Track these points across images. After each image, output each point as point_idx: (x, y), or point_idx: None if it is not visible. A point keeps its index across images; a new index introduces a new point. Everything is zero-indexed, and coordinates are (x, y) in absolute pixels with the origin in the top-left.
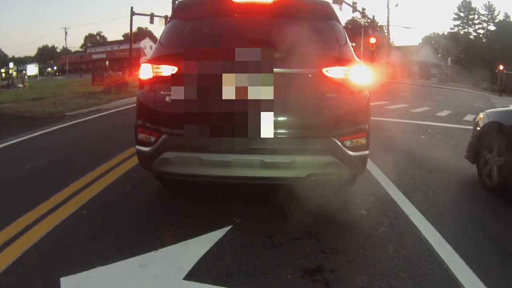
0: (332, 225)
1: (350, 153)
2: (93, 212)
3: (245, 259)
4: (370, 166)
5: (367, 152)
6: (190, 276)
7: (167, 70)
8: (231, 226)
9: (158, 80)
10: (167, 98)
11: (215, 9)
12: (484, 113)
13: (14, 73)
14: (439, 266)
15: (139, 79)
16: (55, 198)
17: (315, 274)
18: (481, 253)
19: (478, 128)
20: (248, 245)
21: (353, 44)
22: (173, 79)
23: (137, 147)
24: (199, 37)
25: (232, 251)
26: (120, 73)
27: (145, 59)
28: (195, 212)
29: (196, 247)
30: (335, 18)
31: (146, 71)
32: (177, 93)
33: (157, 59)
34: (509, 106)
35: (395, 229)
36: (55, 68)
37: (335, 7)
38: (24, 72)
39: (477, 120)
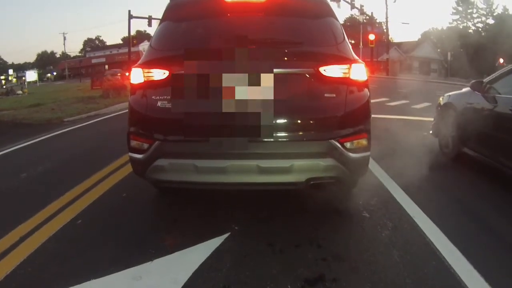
0: (334, 230)
1: (351, 155)
2: (87, 222)
3: (244, 269)
4: (372, 165)
5: (369, 153)
6: None
7: (159, 74)
8: (229, 233)
9: (150, 84)
10: (159, 103)
11: (207, 9)
12: (444, 95)
13: (14, 80)
14: (446, 270)
15: (130, 84)
16: (50, 207)
17: (316, 283)
18: (490, 255)
19: (439, 108)
20: (246, 253)
21: (352, 41)
22: (165, 83)
23: (130, 154)
24: (190, 39)
25: (230, 260)
26: (119, 75)
27: None
28: (192, 219)
29: (193, 257)
30: (331, 14)
31: (137, 76)
32: (169, 97)
33: (148, 63)
34: (462, 90)
35: (399, 232)
36: (54, 73)
37: (333, 4)
38: (23, 78)
39: (438, 101)
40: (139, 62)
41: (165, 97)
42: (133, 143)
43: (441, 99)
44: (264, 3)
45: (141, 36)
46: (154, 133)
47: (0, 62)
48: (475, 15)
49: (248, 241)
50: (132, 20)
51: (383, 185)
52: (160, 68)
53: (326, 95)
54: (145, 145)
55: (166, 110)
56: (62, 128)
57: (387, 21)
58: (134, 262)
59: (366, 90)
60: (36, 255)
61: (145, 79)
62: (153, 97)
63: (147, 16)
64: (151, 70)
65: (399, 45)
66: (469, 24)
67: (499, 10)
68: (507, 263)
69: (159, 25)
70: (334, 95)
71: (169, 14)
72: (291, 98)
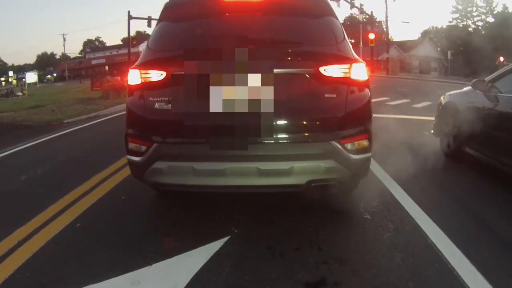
0: (335, 232)
1: (352, 156)
2: (86, 225)
3: (243, 273)
4: (373, 166)
5: (370, 154)
6: None
7: (156, 75)
8: (229, 236)
9: (147, 86)
10: (157, 105)
11: (204, 8)
12: (446, 94)
13: (14, 82)
14: (449, 273)
15: (128, 86)
16: (49, 210)
17: (317, 287)
18: (492, 256)
19: (440, 107)
20: (246, 257)
21: (352, 41)
22: (163, 84)
23: (128, 156)
24: (188, 39)
25: (229, 264)
26: (119, 77)
27: None
28: (191, 222)
29: (192, 261)
30: (331, 14)
31: (134, 77)
32: (167, 98)
33: (145, 64)
34: (464, 89)
35: (401, 234)
36: (54, 75)
37: (333, 3)
38: (23, 80)
39: (440, 101)
40: (136, 63)
41: (163, 98)
42: (131, 145)
43: (442, 98)
44: (263, 3)
45: (141, 36)
46: (152, 135)
47: (0, 64)
48: (475, 14)
49: (248, 245)
50: (131, 21)
51: (384, 186)
52: (157, 69)
53: (326, 95)
54: (143, 148)
55: (164, 112)
56: (62, 130)
57: (387, 20)
58: (133, 266)
59: (367, 90)
60: (35, 259)
61: (143, 80)
62: (150, 98)
63: (147, 17)
64: (149, 71)
65: (399, 44)
66: (469, 22)
67: (499, 8)
68: (508, 263)
69: (156, 25)
70: (335, 95)
71: (166, 14)
72: (291, 98)
